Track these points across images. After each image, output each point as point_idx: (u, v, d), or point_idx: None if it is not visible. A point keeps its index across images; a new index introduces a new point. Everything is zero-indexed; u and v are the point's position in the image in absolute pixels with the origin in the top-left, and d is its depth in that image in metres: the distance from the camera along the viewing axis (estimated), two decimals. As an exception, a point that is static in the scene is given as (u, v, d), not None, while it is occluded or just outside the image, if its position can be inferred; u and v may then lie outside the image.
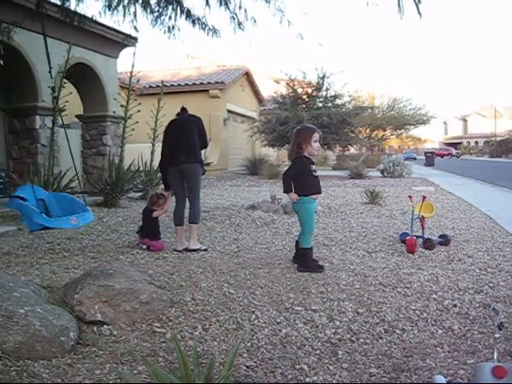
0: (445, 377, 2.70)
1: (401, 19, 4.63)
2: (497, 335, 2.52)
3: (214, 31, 8.38)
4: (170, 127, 6.36)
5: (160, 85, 13.43)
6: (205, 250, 6.02)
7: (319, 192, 5.42)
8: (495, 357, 2.48)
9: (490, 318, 2.59)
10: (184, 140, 6.16)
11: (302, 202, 5.25)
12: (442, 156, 66.02)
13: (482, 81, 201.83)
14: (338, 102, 22.06)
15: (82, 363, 2.94)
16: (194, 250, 5.93)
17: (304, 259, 5.21)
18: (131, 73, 11.22)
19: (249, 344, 3.32)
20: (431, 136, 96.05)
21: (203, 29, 8.26)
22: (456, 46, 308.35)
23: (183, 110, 6.52)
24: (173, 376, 2.44)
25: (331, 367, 3.05)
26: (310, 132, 5.31)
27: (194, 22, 8.14)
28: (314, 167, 5.34)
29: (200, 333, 3.47)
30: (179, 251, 5.95)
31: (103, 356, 3.06)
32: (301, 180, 5.26)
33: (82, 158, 13.69)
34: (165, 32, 8.14)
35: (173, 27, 8.09)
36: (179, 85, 22.61)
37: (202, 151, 6.52)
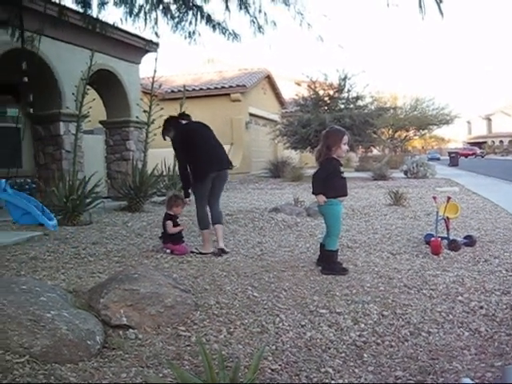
0: (472, 379, 2.67)
1: (422, 19, 4.59)
2: (525, 337, 2.49)
3: (235, 35, 8.43)
4: (192, 135, 6.20)
5: (182, 89, 13.50)
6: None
7: (346, 194, 5.40)
8: (523, 359, 2.45)
9: (518, 319, 2.56)
10: (217, 147, 6.27)
11: (329, 205, 5.23)
12: (466, 156, 65.24)
13: (503, 79, 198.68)
14: (360, 103, 21.97)
15: (108, 367, 2.96)
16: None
17: (328, 261, 5.20)
18: (153, 78, 11.30)
19: (273, 347, 3.32)
20: (455, 136, 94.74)
21: (224, 33, 8.32)
22: (468, 44, 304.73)
23: (185, 116, 6.53)
24: (198, 379, 2.45)
25: (356, 370, 3.04)
26: (340, 134, 5.30)
27: (214, 27, 8.20)
28: (342, 169, 5.34)
29: (225, 336, 3.47)
30: (216, 254, 5.96)
31: (129, 359, 3.08)
32: (329, 182, 5.24)
33: (105, 163, 13.85)
34: (186, 37, 8.21)
35: (193, 32, 8.16)
36: (201, 89, 22.75)
37: None
